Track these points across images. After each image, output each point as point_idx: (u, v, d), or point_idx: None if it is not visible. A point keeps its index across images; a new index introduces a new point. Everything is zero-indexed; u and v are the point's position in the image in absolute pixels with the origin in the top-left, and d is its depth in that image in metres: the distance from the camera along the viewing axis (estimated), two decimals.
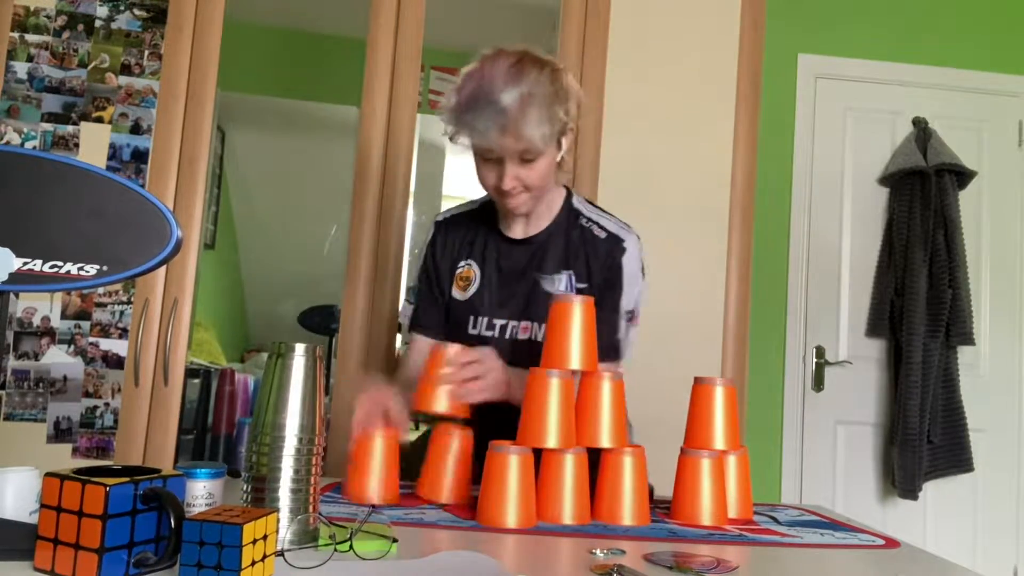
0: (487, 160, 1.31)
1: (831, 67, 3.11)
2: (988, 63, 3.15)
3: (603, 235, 1.43)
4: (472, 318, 1.42)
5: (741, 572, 0.89)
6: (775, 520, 1.22)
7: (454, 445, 1.21)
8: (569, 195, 1.48)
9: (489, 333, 1.41)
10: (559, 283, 1.41)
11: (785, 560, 0.99)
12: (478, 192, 1.53)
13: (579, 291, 1.40)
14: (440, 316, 1.48)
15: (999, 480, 3.02)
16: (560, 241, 1.43)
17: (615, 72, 2.28)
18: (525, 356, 1.37)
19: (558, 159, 1.35)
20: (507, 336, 1.41)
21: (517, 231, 1.44)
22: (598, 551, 0.93)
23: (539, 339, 1.38)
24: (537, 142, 1.26)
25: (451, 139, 1.33)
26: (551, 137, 1.28)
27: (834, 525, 1.22)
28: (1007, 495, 3.03)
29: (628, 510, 1.13)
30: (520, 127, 1.23)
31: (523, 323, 1.41)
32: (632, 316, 1.45)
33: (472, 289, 1.43)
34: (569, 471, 1.11)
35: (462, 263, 1.46)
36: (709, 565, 0.89)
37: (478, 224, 1.48)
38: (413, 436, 1.36)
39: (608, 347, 1.38)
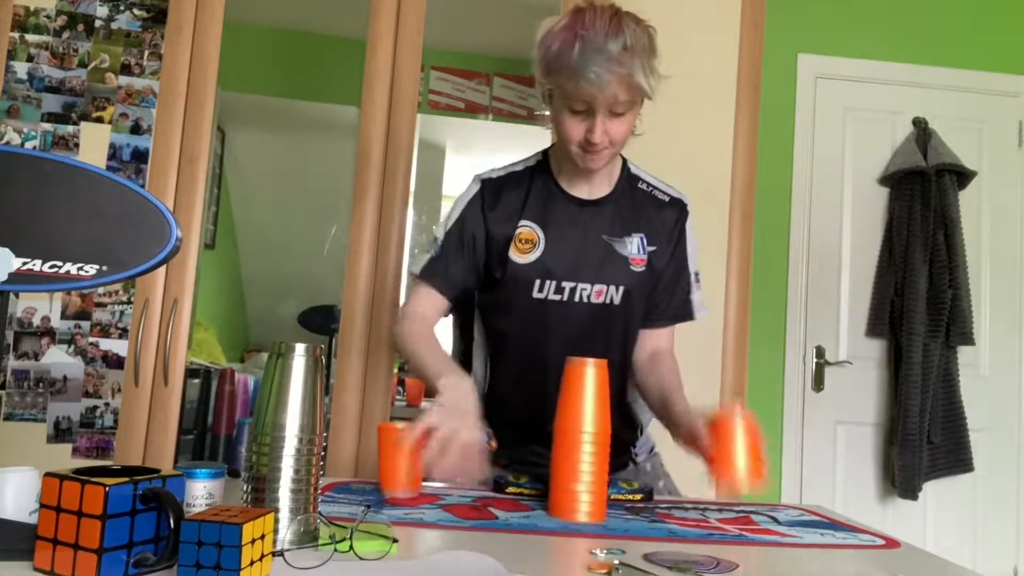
0: (575, 113, 1.29)
1: (831, 67, 3.11)
2: (988, 63, 3.15)
3: (666, 199, 1.46)
4: (539, 281, 1.37)
5: (741, 572, 0.89)
6: (775, 520, 1.22)
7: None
8: (625, 160, 1.48)
9: (557, 297, 1.37)
10: (631, 245, 1.41)
11: (785, 560, 0.99)
12: None
13: (650, 254, 1.42)
14: (462, 276, 1.41)
15: (999, 480, 3.02)
16: (627, 204, 1.43)
17: None
18: (601, 320, 1.39)
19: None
20: (577, 299, 1.38)
21: (583, 192, 1.42)
22: (598, 551, 0.93)
23: (616, 302, 1.39)
24: (646, 89, 1.26)
25: (543, 93, 1.33)
26: (654, 88, 1.28)
27: (834, 525, 1.22)
28: (1007, 495, 3.03)
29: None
30: (632, 74, 1.23)
31: (597, 287, 1.39)
32: (698, 278, 1.49)
33: (537, 252, 1.38)
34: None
35: (521, 224, 1.39)
36: (709, 565, 0.89)
37: (528, 186, 1.43)
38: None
39: (683, 308, 1.48)
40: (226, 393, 2.68)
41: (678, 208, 1.47)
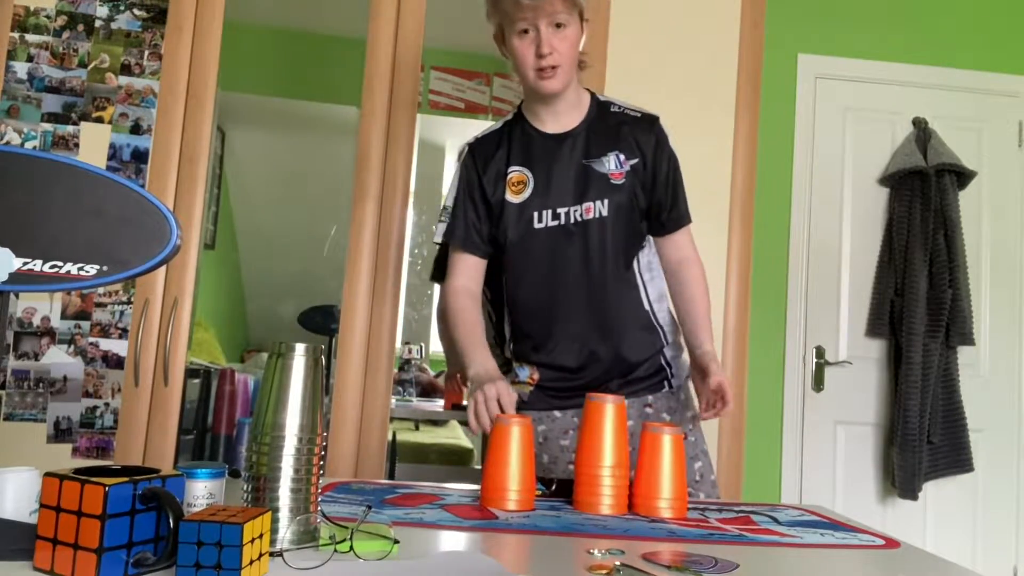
0: (523, 34, 1.45)
1: (831, 67, 3.11)
2: (988, 63, 3.15)
3: (638, 115, 1.58)
4: (536, 214, 1.52)
5: (741, 572, 0.89)
6: (775, 520, 1.22)
7: (515, 438, 1.17)
8: (593, 93, 1.61)
9: (555, 223, 1.52)
10: (608, 163, 1.53)
11: (785, 560, 0.99)
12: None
13: (632, 167, 1.53)
14: (480, 224, 1.56)
15: (999, 480, 3.02)
16: (600, 127, 1.56)
17: (615, 72, 2.28)
18: (595, 231, 1.51)
19: (580, 45, 1.50)
20: (571, 221, 1.51)
21: (556, 127, 1.55)
22: (597, 551, 0.93)
23: (604, 214, 1.51)
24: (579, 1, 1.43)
25: (496, 36, 1.51)
26: (585, 3, 1.46)
27: (834, 525, 1.22)
28: (1007, 495, 3.03)
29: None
30: None
31: (585, 204, 1.51)
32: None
33: (528, 189, 1.53)
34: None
35: (511, 170, 1.55)
36: (709, 565, 0.89)
37: (510, 136, 1.58)
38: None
39: (686, 213, 1.61)
40: (226, 393, 2.68)
41: (649, 121, 1.58)
